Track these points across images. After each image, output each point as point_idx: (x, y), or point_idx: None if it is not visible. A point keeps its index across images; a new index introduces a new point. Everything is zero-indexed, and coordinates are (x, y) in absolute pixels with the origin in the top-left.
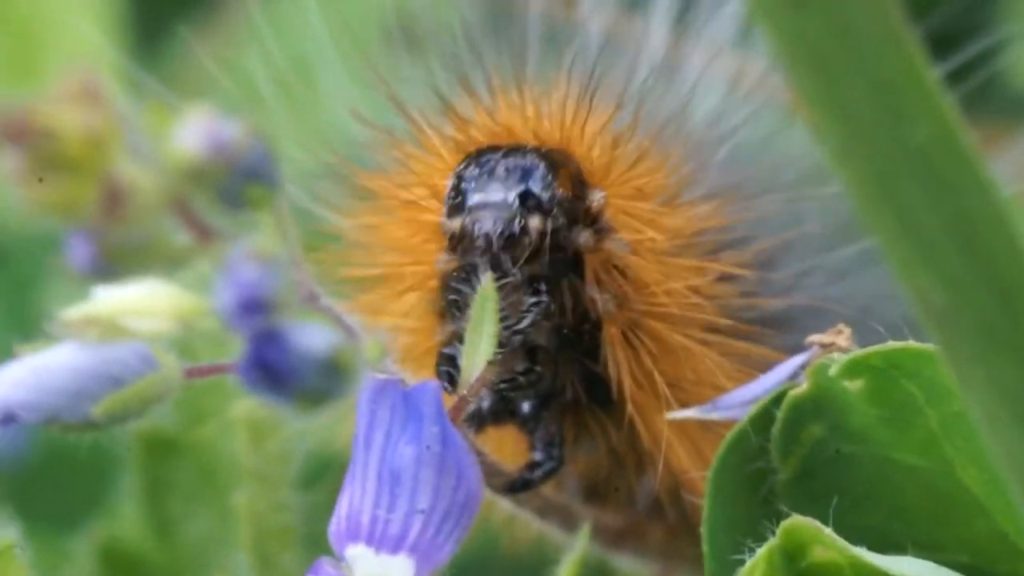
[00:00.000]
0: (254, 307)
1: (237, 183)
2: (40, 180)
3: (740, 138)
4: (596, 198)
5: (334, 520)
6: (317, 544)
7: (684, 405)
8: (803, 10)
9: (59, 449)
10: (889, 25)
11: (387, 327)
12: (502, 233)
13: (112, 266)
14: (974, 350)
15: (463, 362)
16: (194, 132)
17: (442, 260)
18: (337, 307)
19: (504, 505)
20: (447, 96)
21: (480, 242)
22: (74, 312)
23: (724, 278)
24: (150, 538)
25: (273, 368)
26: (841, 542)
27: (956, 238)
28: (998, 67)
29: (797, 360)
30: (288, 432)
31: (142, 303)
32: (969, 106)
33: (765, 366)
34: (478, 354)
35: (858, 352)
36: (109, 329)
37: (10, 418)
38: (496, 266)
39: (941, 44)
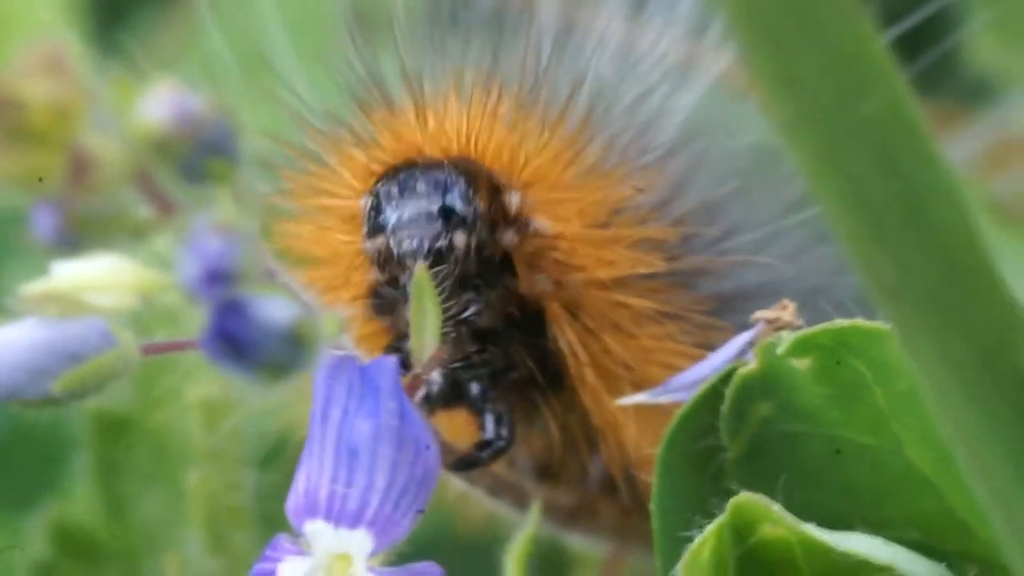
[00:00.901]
0: (218, 277)
1: (198, 156)
2: (4, 150)
3: (659, 106)
4: (512, 198)
5: (291, 496)
6: (271, 523)
7: (634, 384)
8: None
9: (12, 429)
10: None
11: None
12: (427, 252)
13: (76, 237)
14: (924, 324)
15: (412, 342)
16: (160, 103)
17: (370, 275)
18: (294, 283)
19: (456, 484)
20: (352, 112)
21: (407, 262)
22: (34, 287)
23: (655, 247)
24: (103, 518)
25: (235, 339)
26: (790, 519)
27: (905, 212)
28: (953, 49)
29: (744, 337)
30: (241, 412)
31: (102, 278)
32: (924, 89)
33: (715, 346)
34: (426, 335)
35: (806, 330)
36: (69, 304)
37: None
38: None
39: (901, 32)
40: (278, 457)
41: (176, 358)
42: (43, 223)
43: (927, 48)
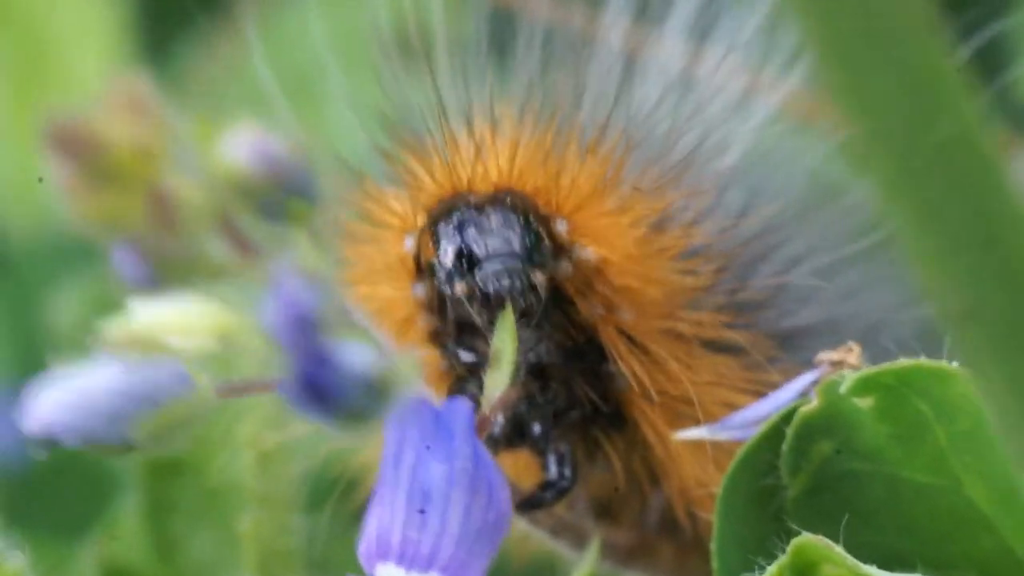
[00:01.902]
0: (303, 324)
1: (278, 197)
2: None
3: (714, 133)
4: (560, 227)
5: (363, 540)
6: (321, 568)
7: (696, 420)
8: (834, 3)
9: (60, 462)
10: (917, 20)
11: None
12: (514, 292)
13: (157, 277)
14: (994, 351)
15: (486, 383)
16: (242, 145)
17: (428, 318)
18: (369, 325)
19: (517, 524)
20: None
21: (493, 302)
22: (115, 329)
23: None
24: (152, 558)
25: (320, 387)
26: (851, 560)
27: (978, 236)
28: (1006, 80)
29: (807, 378)
30: (294, 455)
31: (182, 320)
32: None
33: (776, 385)
34: (500, 376)
35: (869, 369)
36: (150, 347)
37: (52, 441)
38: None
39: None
40: (330, 501)
41: (229, 402)
42: (124, 262)
43: (984, 77)
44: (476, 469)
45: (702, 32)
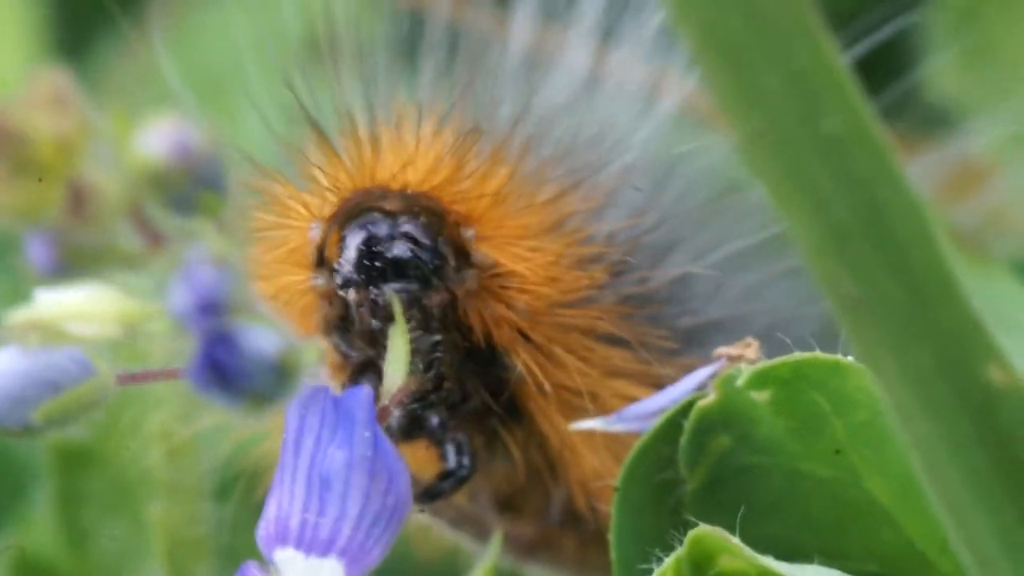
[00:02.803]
0: (211, 308)
1: (190, 190)
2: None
3: (616, 133)
4: (462, 229)
5: (262, 524)
6: (231, 556)
7: (594, 413)
8: (716, 4)
9: None
10: (802, 16)
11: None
12: (411, 310)
13: (70, 267)
14: (886, 339)
15: (384, 375)
16: (160, 137)
17: (327, 311)
18: (273, 314)
19: (418, 515)
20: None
21: (373, 300)
22: (17, 316)
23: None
24: (63, 549)
25: (224, 369)
26: (748, 551)
27: (867, 227)
28: (913, 79)
29: (705, 371)
30: (202, 445)
31: (85, 307)
32: (885, 118)
33: (675, 379)
34: (397, 369)
35: (765, 363)
36: (51, 334)
37: None
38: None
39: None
40: (238, 490)
41: (138, 390)
42: (38, 252)
43: (888, 77)
44: (376, 454)
45: (606, 32)
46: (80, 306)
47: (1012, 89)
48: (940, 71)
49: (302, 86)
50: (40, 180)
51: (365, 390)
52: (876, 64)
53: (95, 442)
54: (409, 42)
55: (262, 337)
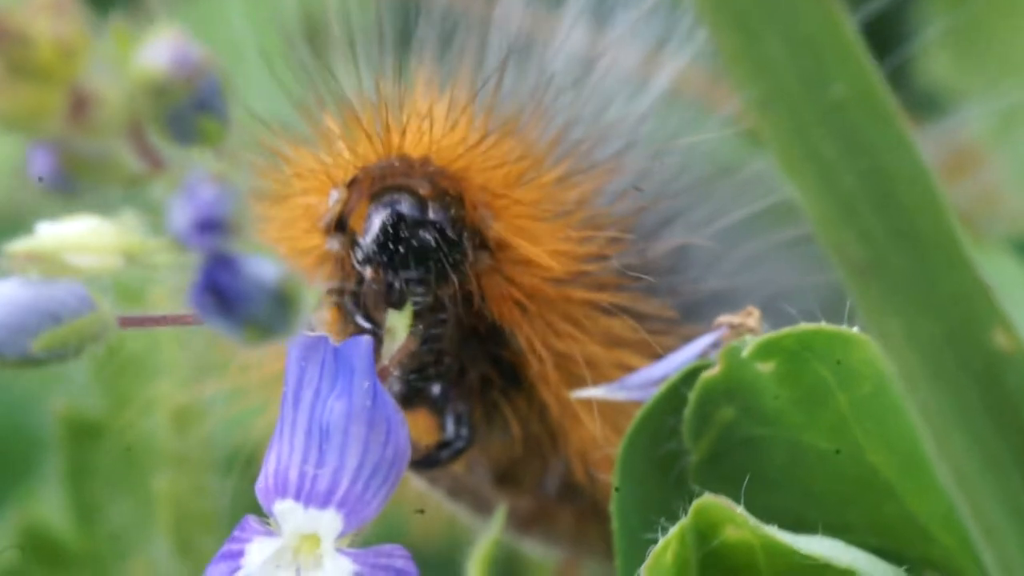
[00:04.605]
0: (212, 226)
1: (191, 113)
2: (7, 85)
3: (614, 111)
4: (486, 220)
5: (261, 477)
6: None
7: (596, 382)
8: None
9: None
10: None
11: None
12: (427, 295)
13: (72, 180)
14: (892, 304)
15: (385, 337)
16: (163, 49)
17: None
18: (275, 251)
19: (415, 485)
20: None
21: (395, 293)
22: (17, 246)
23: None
24: (72, 521)
25: (225, 293)
26: (753, 521)
27: (874, 193)
28: (904, 62)
29: (706, 339)
30: (209, 418)
31: (86, 239)
32: None
33: (675, 349)
34: (398, 329)
35: (771, 334)
36: (52, 264)
37: None
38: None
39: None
40: (245, 462)
41: (146, 365)
42: (40, 163)
43: (878, 59)
44: (375, 404)
45: (601, 11)
46: (81, 238)
47: (1003, 72)
48: (931, 55)
49: (313, 63)
50: (40, 84)
51: (364, 340)
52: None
53: (104, 416)
54: (407, 24)
55: (263, 264)
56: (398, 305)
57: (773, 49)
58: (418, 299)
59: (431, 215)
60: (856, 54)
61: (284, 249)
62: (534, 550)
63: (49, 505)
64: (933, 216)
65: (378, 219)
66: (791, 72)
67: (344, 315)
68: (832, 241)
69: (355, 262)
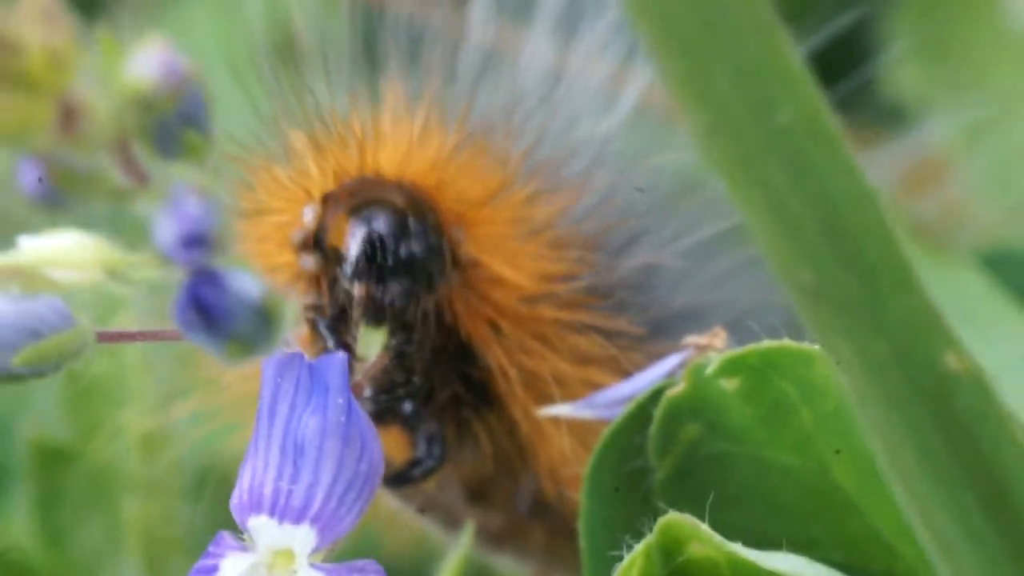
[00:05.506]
0: (197, 241)
1: (176, 126)
2: None
3: (582, 127)
4: (441, 222)
5: (236, 493)
6: None
7: (564, 401)
8: None
9: None
10: (753, 9)
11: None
12: (407, 311)
13: (59, 194)
14: (842, 328)
15: (359, 349)
16: (152, 60)
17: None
18: (255, 266)
19: (388, 501)
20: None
21: (355, 285)
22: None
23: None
24: (41, 547)
25: (209, 308)
26: (718, 538)
27: (820, 218)
28: (870, 74)
29: (673, 359)
30: (179, 443)
31: (67, 254)
32: (841, 113)
33: (643, 367)
34: (370, 345)
35: (734, 351)
36: (33, 279)
37: None
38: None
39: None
40: (212, 486)
41: (115, 391)
42: (27, 177)
43: (845, 72)
44: (349, 420)
45: (568, 27)
46: (62, 253)
47: (970, 84)
48: (897, 66)
49: (283, 77)
50: (29, 93)
51: (339, 356)
52: (832, 58)
53: (73, 441)
54: (375, 39)
55: (247, 280)
56: (383, 320)
57: (718, 76)
58: (402, 314)
59: (414, 229)
60: (801, 80)
61: (258, 265)
62: (506, 566)
63: (18, 530)
64: (880, 240)
65: (362, 234)
66: (737, 99)
67: (317, 331)
68: (781, 265)
69: (342, 278)
